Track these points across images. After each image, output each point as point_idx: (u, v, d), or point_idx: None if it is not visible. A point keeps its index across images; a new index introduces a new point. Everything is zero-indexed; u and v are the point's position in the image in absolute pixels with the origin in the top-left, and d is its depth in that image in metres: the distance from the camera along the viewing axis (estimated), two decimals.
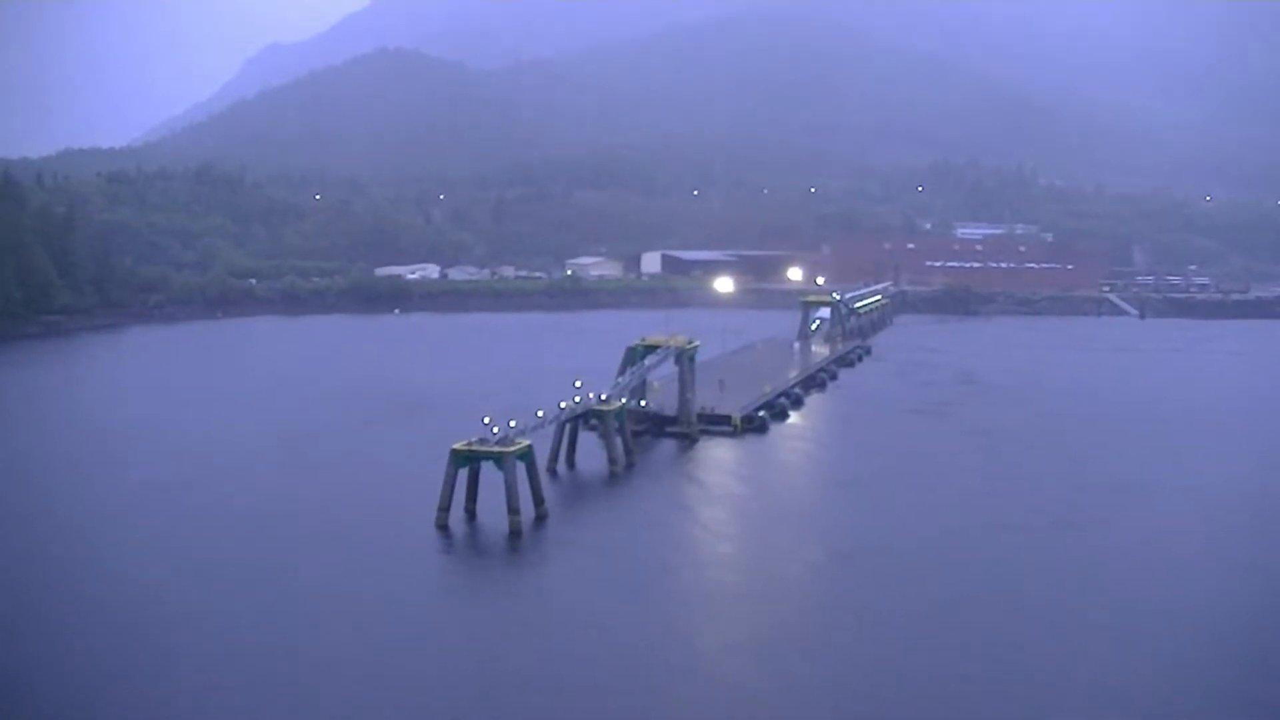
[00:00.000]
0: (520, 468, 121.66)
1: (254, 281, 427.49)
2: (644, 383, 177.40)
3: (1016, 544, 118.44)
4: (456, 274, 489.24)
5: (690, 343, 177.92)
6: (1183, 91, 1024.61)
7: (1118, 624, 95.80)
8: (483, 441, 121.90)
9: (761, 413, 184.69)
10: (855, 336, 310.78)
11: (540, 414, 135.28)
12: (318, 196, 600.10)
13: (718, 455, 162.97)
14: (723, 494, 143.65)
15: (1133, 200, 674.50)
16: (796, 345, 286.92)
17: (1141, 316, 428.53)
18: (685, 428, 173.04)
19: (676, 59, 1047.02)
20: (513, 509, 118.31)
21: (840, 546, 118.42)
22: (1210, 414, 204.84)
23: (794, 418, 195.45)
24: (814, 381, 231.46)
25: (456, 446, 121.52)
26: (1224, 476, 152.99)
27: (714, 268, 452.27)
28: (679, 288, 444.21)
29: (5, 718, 79.42)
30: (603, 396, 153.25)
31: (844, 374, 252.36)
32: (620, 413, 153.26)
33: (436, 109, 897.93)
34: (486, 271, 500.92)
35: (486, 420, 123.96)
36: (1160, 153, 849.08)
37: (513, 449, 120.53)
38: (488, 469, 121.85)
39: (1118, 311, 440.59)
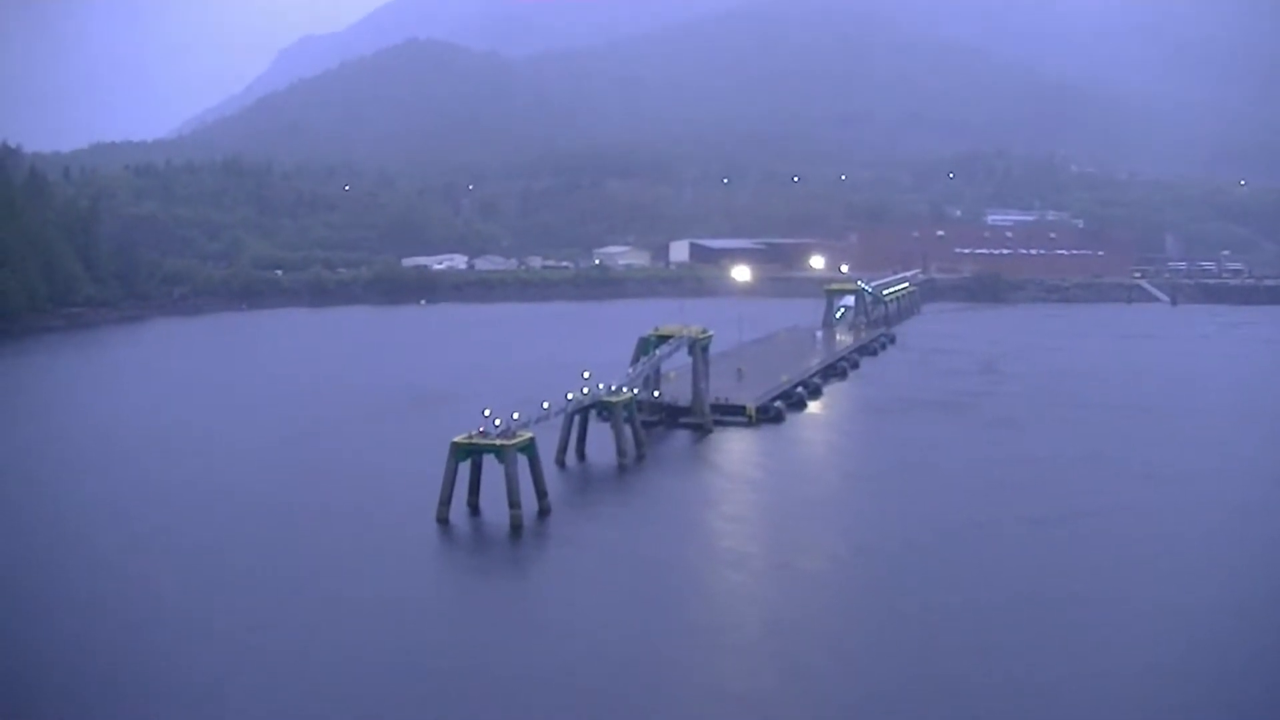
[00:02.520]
0: (522, 461, 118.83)
1: (280, 273, 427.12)
2: (658, 373, 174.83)
3: (1039, 536, 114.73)
4: (484, 264, 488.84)
5: (704, 332, 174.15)
6: (1217, 77, 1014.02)
7: (1144, 623, 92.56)
8: (484, 434, 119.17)
9: (778, 402, 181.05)
10: (880, 325, 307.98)
11: (546, 406, 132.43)
12: (346, 188, 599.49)
13: (730, 446, 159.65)
14: (732, 486, 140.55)
15: (1165, 187, 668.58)
16: (819, 334, 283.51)
17: (1173, 303, 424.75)
18: (699, 418, 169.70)
19: (707, 48, 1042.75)
20: (513, 503, 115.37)
21: (856, 542, 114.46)
22: (1239, 401, 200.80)
23: (812, 407, 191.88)
24: (834, 370, 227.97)
25: (457, 439, 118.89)
26: (1249, 464, 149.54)
27: (742, 256, 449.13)
28: (706, 276, 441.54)
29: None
30: (613, 387, 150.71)
31: (866, 363, 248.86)
32: (630, 404, 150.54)
33: (466, 100, 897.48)
34: (514, 262, 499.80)
35: (487, 412, 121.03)
36: (1193, 139, 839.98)
37: (514, 442, 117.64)
38: (490, 462, 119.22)
39: (1149, 298, 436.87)
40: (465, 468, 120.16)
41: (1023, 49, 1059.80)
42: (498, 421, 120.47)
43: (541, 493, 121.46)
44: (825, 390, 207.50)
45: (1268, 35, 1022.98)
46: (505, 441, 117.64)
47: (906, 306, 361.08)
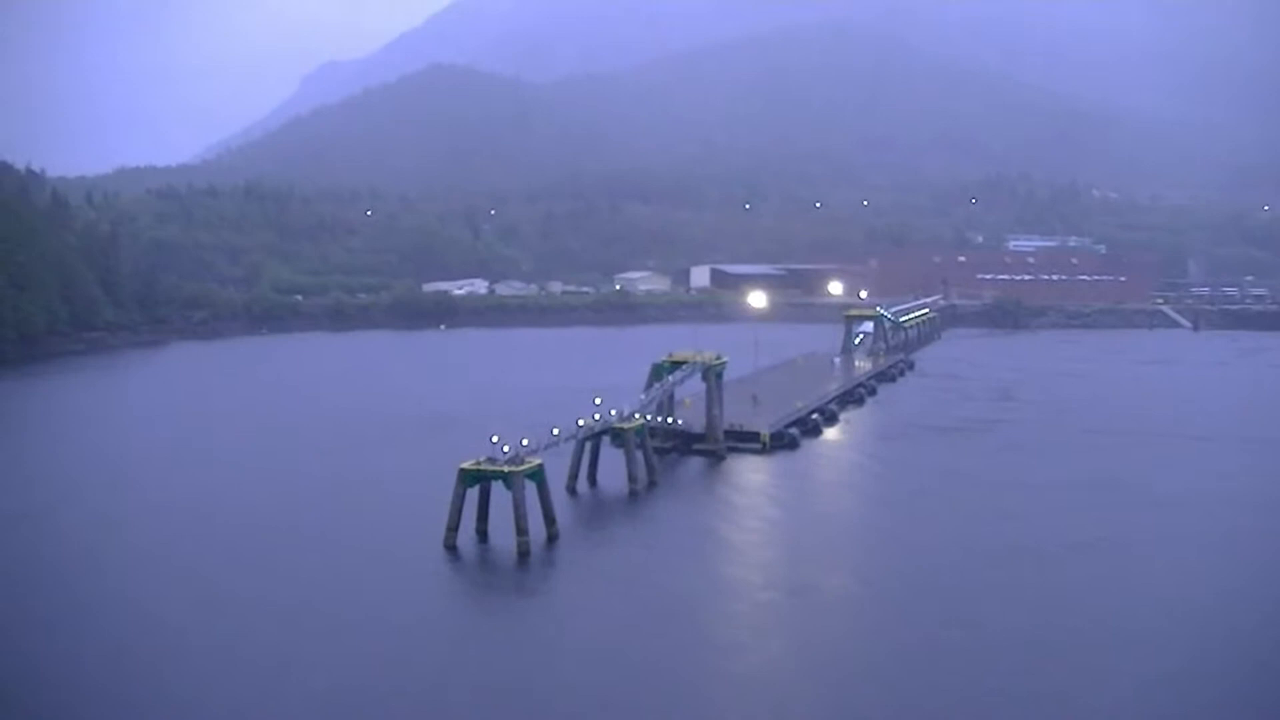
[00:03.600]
0: (531, 487, 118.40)
1: (299, 298, 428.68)
2: (672, 399, 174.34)
3: (1056, 565, 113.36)
4: (504, 289, 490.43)
5: (718, 358, 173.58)
6: (1240, 101, 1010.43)
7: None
8: (491, 460, 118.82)
9: (793, 429, 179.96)
10: (900, 351, 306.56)
11: (556, 432, 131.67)
12: (368, 212, 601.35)
13: (743, 473, 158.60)
14: (744, 513, 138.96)
15: (1187, 211, 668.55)
16: (837, 360, 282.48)
17: (1195, 329, 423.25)
18: (712, 445, 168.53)
19: (729, 73, 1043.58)
20: (521, 530, 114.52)
21: (869, 571, 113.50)
22: (1255, 428, 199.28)
23: (827, 434, 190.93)
24: (851, 397, 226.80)
25: (464, 465, 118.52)
26: (1264, 490, 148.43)
27: (762, 282, 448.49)
28: (726, 302, 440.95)
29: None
30: (625, 414, 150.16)
31: (884, 389, 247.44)
32: (641, 430, 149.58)
33: (488, 124, 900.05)
34: (534, 286, 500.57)
35: (495, 439, 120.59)
36: (1216, 163, 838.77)
37: (521, 468, 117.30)
38: (499, 489, 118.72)
39: (1171, 324, 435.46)
40: (473, 494, 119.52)
41: (1045, 74, 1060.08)
42: (506, 448, 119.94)
43: (550, 519, 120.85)
44: (841, 417, 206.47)
45: None
46: (513, 468, 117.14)
47: (926, 333, 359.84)
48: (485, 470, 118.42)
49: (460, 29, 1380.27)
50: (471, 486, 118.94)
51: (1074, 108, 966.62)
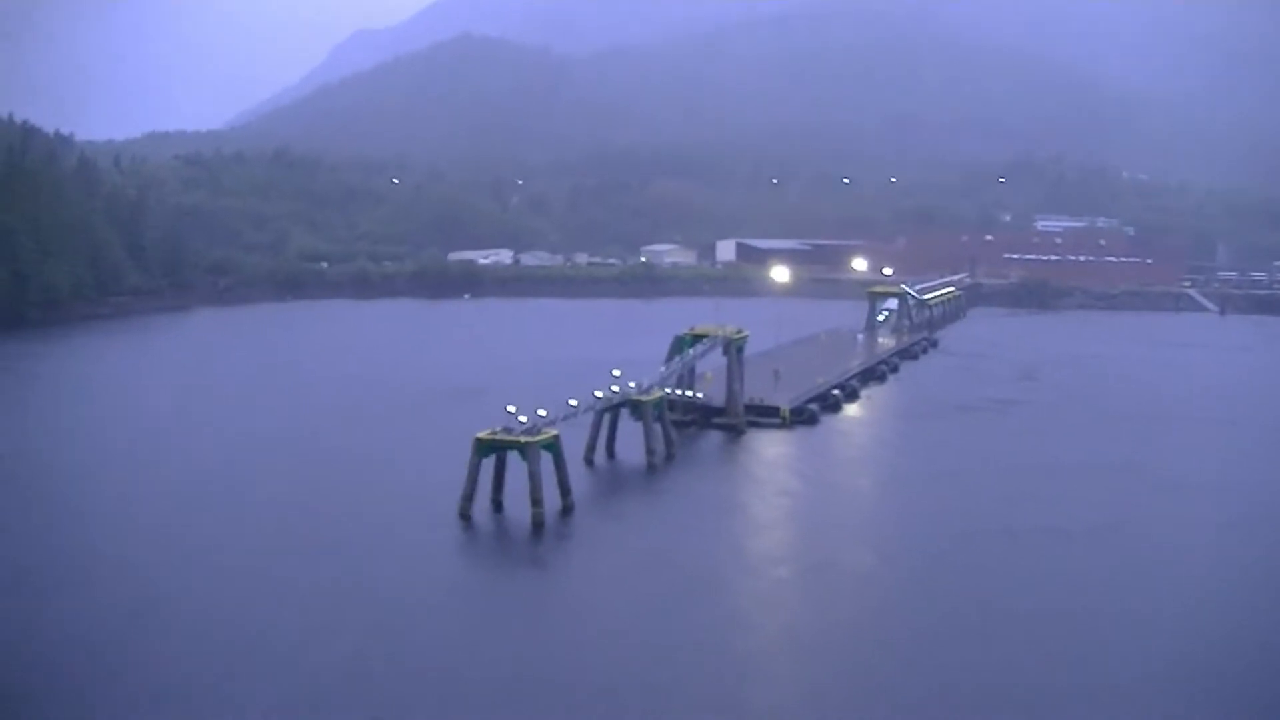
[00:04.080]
0: (546, 458, 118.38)
1: (325, 265, 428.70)
2: (692, 373, 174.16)
3: (1070, 547, 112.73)
4: (529, 260, 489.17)
5: (739, 333, 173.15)
6: (1275, 85, 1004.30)
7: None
8: (507, 431, 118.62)
9: (812, 405, 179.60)
10: (924, 329, 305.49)
11: (573, 403, 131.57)
12: (395, 181, 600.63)
13: (762, 448, 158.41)
14: (762, 488, 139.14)
15: (1218, 195, 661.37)
16: (860, 337, 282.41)
17: (1222, 313, 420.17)
18: (732, 419, 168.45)
19: (760, 49, 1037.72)
20: (535, 500, 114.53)
21: (885, 547, 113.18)
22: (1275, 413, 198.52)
23: (848, 410, 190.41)
24: (873, 374, 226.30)
25: (480, 435, 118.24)
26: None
27: (788, 257, 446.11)
28: (751, 277, 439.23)
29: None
30: (644, 386, 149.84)
31: (906, 367, 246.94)
32: (660, 403, 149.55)
33: (518, 96, 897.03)
34: (559, 258, 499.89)
35: (511, 409, 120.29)
36: (1249, 148, 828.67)
37: (537, 439, 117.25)
38: (515, 459, 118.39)
39: (1197, 307, 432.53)
40: (489, 464, 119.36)
41: (1077, 53, 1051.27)
42: (523, 418, 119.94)
43: (565, 490, 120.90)
44: (862, 393, 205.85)
45: None
46: (529, 438, 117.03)
47: (951, 311, 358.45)
48: (501, 440, 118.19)
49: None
50: (487, 456, 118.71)
51: (1105, 88, 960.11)
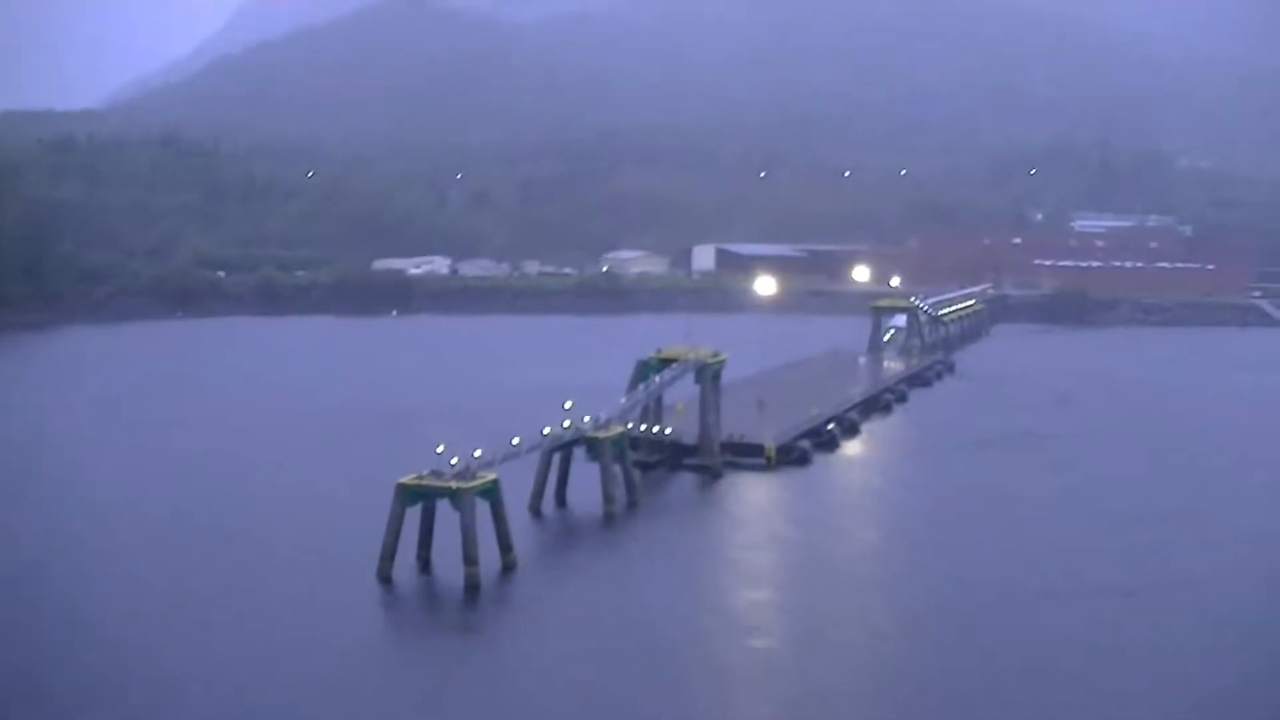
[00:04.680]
0: (484, 507, 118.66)
1: (223, 274, 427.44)
2: (660, 404, 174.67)
3: (1109, 613, 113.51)
4: (469, 269, 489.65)
5: (715, 356, 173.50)
6: None
7: None
8: (436, 475, 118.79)
9: (804, 441, 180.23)
10: (938, 349, 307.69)
11: (516, 441, 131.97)
12: (310, 173, 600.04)
13: (742, 494, 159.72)
14: (740, 544, 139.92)
15: None
16: (862, 359, 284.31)
17: None
18: (706, 459, 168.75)
19: (748, 14, 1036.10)
20: (469, 558, 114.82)
21: (887, 622, 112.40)
22: None
23: (845, 448, 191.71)
24: (877, 403, 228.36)
25: (404, 480, 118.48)
26: None
27: (778, 265, 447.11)
28: (734, 288, 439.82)
29: None
30: (601, 420, 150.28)
31: (916, 395, 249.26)
32: (620, 441, 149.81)
33: (459, 70, 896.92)
34: (505, 266, 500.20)
35: (441, 449, 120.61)
36: None
37: (472, 484, 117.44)
38: (446, 509, 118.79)
39: (1269, 322, 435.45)
40: (415, 515, 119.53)
41: (1127, 18, 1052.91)
42: (454, 459, 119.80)
43: (506, 546, 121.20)
44: (863, 427, 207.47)
45: None
46: (462, 484, 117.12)
47: (971, 328, 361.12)
48: (429, 486, 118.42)
49: None
50: (412, 506, 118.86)
51: (1159, 57, 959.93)
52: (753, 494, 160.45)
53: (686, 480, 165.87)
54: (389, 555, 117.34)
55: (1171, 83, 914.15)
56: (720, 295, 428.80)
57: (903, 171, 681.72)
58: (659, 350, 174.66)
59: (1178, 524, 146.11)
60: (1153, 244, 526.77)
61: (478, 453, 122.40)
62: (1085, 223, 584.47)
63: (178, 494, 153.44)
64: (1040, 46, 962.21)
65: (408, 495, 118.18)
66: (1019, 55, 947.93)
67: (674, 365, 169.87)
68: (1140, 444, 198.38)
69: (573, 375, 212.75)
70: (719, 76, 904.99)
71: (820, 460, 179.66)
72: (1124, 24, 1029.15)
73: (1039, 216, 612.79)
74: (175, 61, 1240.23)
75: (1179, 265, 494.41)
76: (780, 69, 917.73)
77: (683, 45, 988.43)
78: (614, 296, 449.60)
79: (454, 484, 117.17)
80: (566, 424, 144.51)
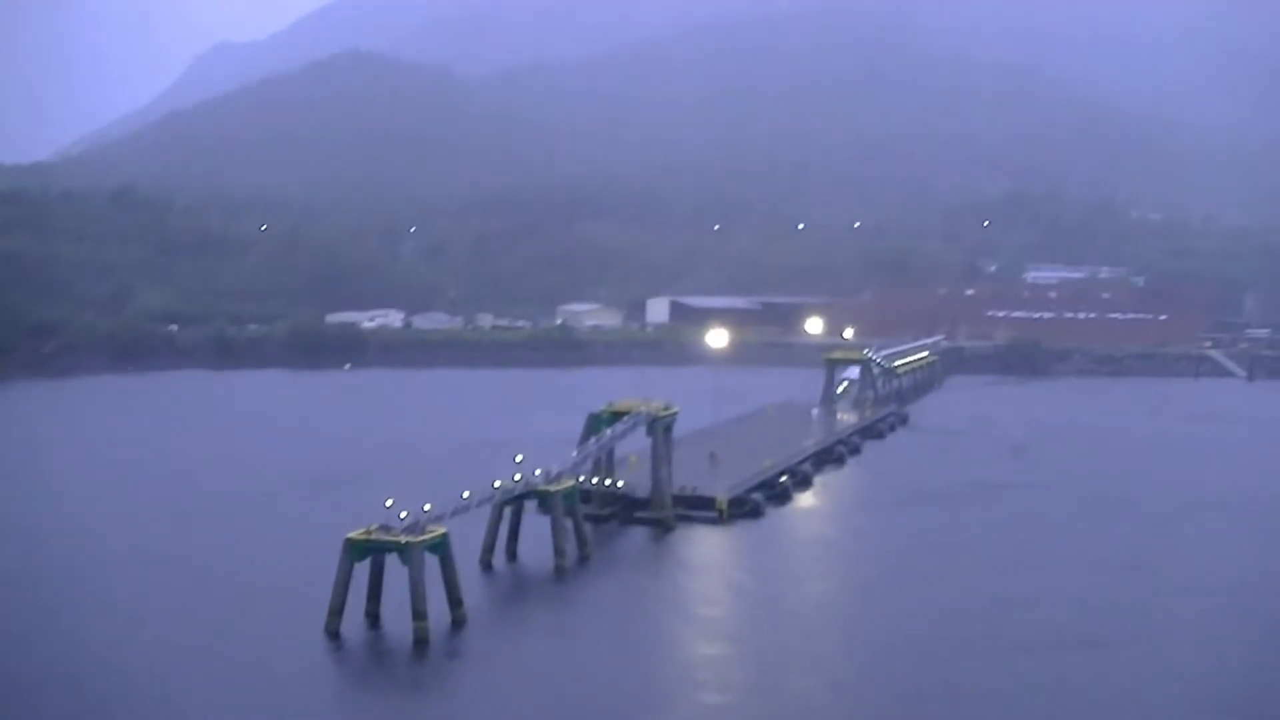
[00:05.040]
0: (433, 562, 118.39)
1: (175, 327, 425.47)
2: (611, 457, 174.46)
3: (1061, 668, 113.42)
4: (423, 322, 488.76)
5: (666, 409, 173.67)
6: None
7: None
8: (385, 529, 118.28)
9: (756, 494, 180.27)
10: (892, 401, 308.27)
11: (466, 495, 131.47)
12: (264, 226, 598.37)
13: (694, 548, 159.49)
14: (692, 598, 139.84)
15: (1247, 236, 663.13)
16: (815, 411, 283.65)
17: (1250, 378, 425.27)
18: (658, 512, 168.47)
19: (703, 67, 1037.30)
20: (418, 613, 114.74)
21: (842, 674, 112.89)
22: None
23: (798, 500, 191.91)
24: (830, 456, 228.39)
25: (352, 535, 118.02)
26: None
27: (732, 317, 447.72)
28: (688, 340, 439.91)
29: None
30: (552, 474, 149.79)
31: (870, 447, 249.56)
32: (571, 494, 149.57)
33: (412, 122, 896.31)
34: (459, 319, 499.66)
35: (389, 503, 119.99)
36: None
37: (421, 538, 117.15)
38: (395, 563, 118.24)
39: (1221, 372, 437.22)
40: (364, 569, 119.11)
41: (1079, 71, 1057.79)
42: (403, 514, 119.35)
43: (456, 601, 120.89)
44: (817, 480, 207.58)
45: None
46: (411, 538, 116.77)
47: (925, 380, 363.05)
48: (377, 541, 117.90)
49: (380, 8, 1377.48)
50: (360, 560, 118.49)
51: (1111, 110, 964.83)
52: (705, 547, 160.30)
53: (638, 533, 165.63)
54: (337, 610, 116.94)
55: (1122, 135, 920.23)
56: (675, 348, 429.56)
57: (857, 224, 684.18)
58: (610, 403, 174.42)
59: (1130, 572, 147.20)
60: (1105, 295, 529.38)
61: (427, 507, 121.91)
62: (1038, 274, 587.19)
63: (118, 552, 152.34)
64: (992, 99, 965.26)
65: (356, 550, 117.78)
66: (971, 108, 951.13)
67: (625, 418, 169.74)
68: (1092, 494, 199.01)
69: (525, 428, 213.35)
70: (673, 129, 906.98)
71: (773, 512, 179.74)
72: (1075, 78, 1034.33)
73: (992, 268, 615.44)
74: (130, 114, 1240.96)
75: (1132, 316, 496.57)
76: (734, 122, 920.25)
77: (637, 98, 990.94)
78: (568, 349, 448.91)
79: (403, 538, 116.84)
80: (517, 477, 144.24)
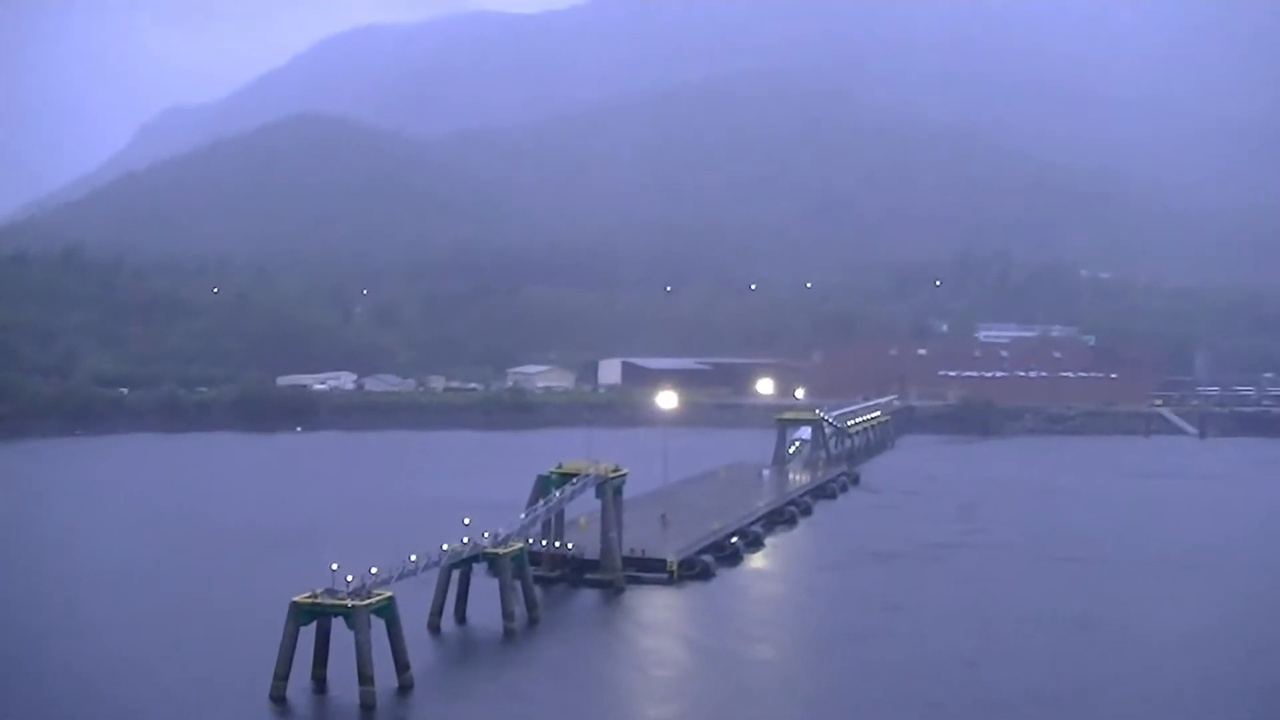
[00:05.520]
0: (379, 625, 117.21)
1: (125, 391, 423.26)
2: (561, 519, 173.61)
3: None
4: (375, 385, 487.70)
5: (615, 470, 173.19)
6: (1257, 168, 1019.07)
7: None
8: (331, 593, 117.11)
9: (706, 556, 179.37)
10: (843, 461, 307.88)
11: (414, 558, 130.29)
12: (215, 289, 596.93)
13: (644, 609, 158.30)
14: (642, 660, 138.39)
15: (1196, 295, 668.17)
16: (766, 472, 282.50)
17: (1201, 436, 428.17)
18: (608, 574, 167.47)
19: (652, 131, 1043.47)
20: (364, 678, 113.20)
21: None
22: (1258, 554, 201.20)
23: (750, 561, 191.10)
24: (781, 517, 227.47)
25: (298, 599, 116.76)
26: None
27: (684, 379, 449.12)
28: (640, 402, 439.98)
29: None
30: (500, 536, 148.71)
31: (821, 507, 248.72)
32: (519, 556, 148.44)
33: (363, 185, 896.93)
34: (411, 382, 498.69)
35: (335, 567, 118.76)
36: (1232, 239, 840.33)
37: (367, 602, 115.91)
38: (341, 627, 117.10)
39: (1172, 430, 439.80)
40: (309, 633, 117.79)
41: (1023, 133, 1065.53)
42: (350, 577, 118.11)
43: (403, 665, 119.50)
44: (768, 541, 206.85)
45: None
46: (357, 602, 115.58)
47: (876, 439, 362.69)
48: (323, 605, 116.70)
49: (331, 72, 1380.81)
50: (306, 624, 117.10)
51: (1058, 173, 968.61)
52: (654, 608, 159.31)
53: (588, 595, 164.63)
54: (282, 675, 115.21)
55: (1069, 196, 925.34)
56: (627, 409, 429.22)
57: (808, 284, 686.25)
58: (559, 465, 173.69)
59: (1078, 630, 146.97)
60: (1056, 354, 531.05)
61: (374, 570, 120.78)
62: (989, 333, 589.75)
63: (58, 619, 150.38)
64: (938, 161, 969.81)
65: (301, 614, 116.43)
66: (917, 170, 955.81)
67: (574, 480, 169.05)
68: (1042, 553, 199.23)
69: (475, 490, 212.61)
70: (623, 191, 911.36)
71: (723, 574, 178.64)
72: (1019, 141, 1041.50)
73: (944, 327, 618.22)
74: (81, 177, 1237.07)
75: (1083, 375, 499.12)
76: (682, 184, 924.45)
77: (586, 161, 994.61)
78: (520, 411, 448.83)
79: (349, 602, 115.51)
80: (465, 540, 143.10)
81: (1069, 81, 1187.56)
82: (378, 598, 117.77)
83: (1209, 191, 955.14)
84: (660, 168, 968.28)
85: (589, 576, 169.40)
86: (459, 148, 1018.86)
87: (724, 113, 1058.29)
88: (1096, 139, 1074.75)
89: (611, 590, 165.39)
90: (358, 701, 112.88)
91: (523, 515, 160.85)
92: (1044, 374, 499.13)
